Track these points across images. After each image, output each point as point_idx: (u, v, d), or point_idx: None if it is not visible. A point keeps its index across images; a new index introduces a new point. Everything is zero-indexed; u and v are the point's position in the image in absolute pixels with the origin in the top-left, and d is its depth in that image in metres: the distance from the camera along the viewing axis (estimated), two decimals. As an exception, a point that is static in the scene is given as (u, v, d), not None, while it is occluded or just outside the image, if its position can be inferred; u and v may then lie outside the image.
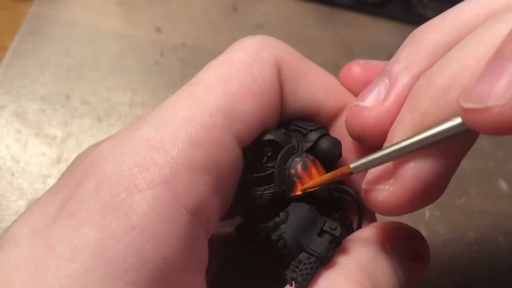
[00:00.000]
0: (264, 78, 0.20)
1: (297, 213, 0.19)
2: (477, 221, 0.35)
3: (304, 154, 0.20)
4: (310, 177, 0.19)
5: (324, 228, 0.19)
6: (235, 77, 0.20)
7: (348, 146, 0.22)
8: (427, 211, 0.35)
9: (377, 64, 0.23)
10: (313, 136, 0.21)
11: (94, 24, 0.41)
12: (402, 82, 0.19)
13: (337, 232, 0.19)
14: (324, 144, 0.21)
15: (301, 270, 0.18)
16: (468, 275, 0.33)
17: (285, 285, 0.18)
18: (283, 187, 0.20)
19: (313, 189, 0.19)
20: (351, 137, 0.21)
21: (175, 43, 0.41)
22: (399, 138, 0.18)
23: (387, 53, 0.41)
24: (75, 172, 0.18)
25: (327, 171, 0.20)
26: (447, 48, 0.18)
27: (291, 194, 0.20)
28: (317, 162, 0.20)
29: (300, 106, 0.22)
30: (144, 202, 0.16)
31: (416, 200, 0.18)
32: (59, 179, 0.18)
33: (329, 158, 0.21)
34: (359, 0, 0.44)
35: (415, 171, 0.18)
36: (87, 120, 0.36)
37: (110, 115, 0.37)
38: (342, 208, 0.22)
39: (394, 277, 0.19)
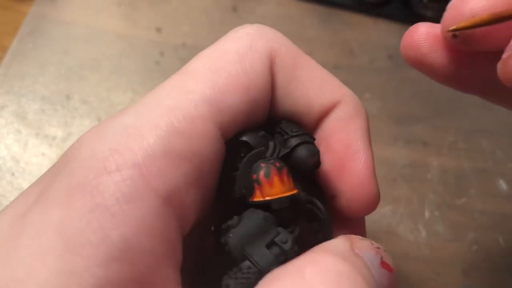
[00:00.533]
0: (255, 71, 0.19)
1: (249, 220, 0.18)
2: (477, 221, 0.35)
3: (272, 160, 0.19)
4: (270, 186, 0.19)
5: (275, 239, 0.18)
6: (225, 68, 0.19)
7: (340, 148, 0.21)
8: (427, 211, 0.35)
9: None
10: (293, 142, 0.20)
11: (94, 24, 0.41)
12: None
13: (286, 246, 0.18)
14: (300, 152, 0.20)
15: (236, 278, 0.17)
16: (468, 275, 0.33)
17: None
18: (243, 191, 0.19)
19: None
20: (445, 35, 0.19)
21: (175, 43, 0.41)
22: None
23: (387, 53, 0.41)
24: (58, 162, 0.18)
25: (302, 181, 0.20)
26: None
27: (250, 200, 0.19)
28: (285, 170, 0.19)
29: (291, 102, 0.21)
30: (111, 183, 0.16)
31: None
32: (46, 170, 0.18)
33: (304, 168, 0.20)
34: (359, 0, 0.44)
35: None
36: (87, 120, 0.36)
37: (110, 115, 0.37)
38: (318, 220, 0.21)
39: (372, 277, 0.18)
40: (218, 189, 0.19)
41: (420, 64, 0.21)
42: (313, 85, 0.21)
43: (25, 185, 0.33)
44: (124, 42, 0.40)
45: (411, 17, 0.44)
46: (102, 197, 0.15)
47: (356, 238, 0.19)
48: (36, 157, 0.35)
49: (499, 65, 0.17)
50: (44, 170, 0.35)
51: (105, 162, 0.16)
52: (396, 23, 0.44)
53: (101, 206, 0.15)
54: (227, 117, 0.19)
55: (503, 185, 0.37)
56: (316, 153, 0.20)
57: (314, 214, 0.21)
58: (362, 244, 0.19)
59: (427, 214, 0.35)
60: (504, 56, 0.17)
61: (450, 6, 0.19)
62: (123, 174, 0.16)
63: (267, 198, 0.19)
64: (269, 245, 0.18)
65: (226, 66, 0.19)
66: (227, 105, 0.19)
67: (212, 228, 0.21)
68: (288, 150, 0.20)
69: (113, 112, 0.37)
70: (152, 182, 0.16)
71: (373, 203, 0.21)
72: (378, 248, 0.19)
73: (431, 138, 0.38)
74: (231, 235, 0.18)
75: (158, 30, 0.41)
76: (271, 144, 0.20)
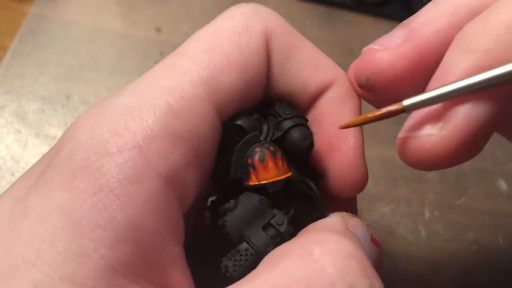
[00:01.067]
0: (251, 50, 0.19)
1: (245, 203, 0.19)
2: (477, 221, 0.35)
3: (266, 145, 0.19)
4: (265, 170, 0.19)
5: (271, 221, 0.18)
6: (221, 47, 0.19)
7: (331, 128, 0.21)
8: (427, 211, 0.35)
9: None
10: (286, 125, 0.20)
11: (94, 24, 0.41)
12: (422, 32, 0.18)
13: (282, 228, 0.18)
14: (294, 135, 0.20)
15: (235, 260, 0.18)
16: (468, 275, 0.33)
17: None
18: (239, 175, 0.19)
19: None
20: (359, 83, 0.20)
21: (175, 43, 0.41)
22: (456, 77, 0.16)
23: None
24: (56, 145, 0.18)
25: (296, 162, 0.20)
26: (471, 10, 0.17)
27: (245, 183, 0.19)
28: (279, 154, 0.19)
29: (286, 81, 0.21)
30: (113, 165, 0.16)
31: (465, 148, 0.17)
32: (44, 154, 0.19)
33: (297, 150, 0.20)
34: (359, 0, 0.44)
35: (469, 114, 0.16)
36: (87, 120, 0.36)
37: (110, 115, 0.37)
38: (312, 199, 0.21)
39: (364, 253, 0.18)
40: (214, 170, 0.20)
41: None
42: (308, 64, 0.21)
43: (25, 185, 0.33)
44: (124, 42, 0.40)
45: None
46: (105, 179, 0.16)
47: (347, 216, 0.19)
48: (36, 157, 0.35)
49: (397, 142, 0.18)
50: (44, 170, 0.35)
51: (105, 144, 0.16)
52: (396, 23, 0.44)
53: (105, 188, 0.16)
54: (224, 97, 0.19)
55: (503, 185, 0.37)
56: (309, 136, 0.20)
57: (308, 194, 0.21)
58: (354, 222, 0.19)
59: (427, 214, 0.35)
60: (399, 135, 0.18)
61: (362, 52, 0.20)
62: (125, 155, 0.16)
63: (263, 182, 0.19)
64: (265, 227, 0.18)
65: (222, 45, 0.19)
66: (223, 85, 0.19)
67: (208, 204, 0.22)
68: (281, 133, 0.20)
69: (113, 112, 0.37)
70: (152, 162, 0.16)
71: (360, 183, 0.21)
72: (368, 225, 0.19)
73: (431, 138, 0.38)
74: (227, 218, 0.19)
75: (158, 30, 0.41)
76: (264, 127, 0.20)
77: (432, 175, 0.37)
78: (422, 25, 0.18)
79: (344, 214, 0.19)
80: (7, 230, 0.16)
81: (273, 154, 0.19)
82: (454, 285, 0.33)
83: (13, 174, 0.34)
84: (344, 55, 0.42)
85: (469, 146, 0.17)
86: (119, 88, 0.39)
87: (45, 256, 0.15)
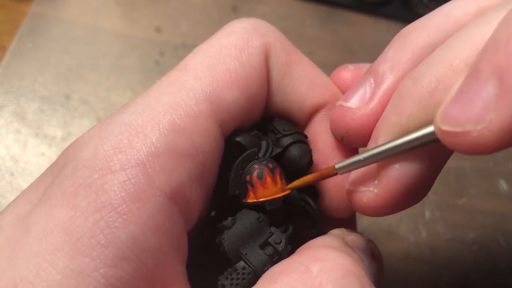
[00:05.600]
0: (252, 66, 0.20)
1: (243, 221, 0.19)
2: (477, 221, 0.35)
3: (265, 162, 0.19)
4: (263, 187, 0.19)
5: (269, 240, 0.18)
6: (223, 63, 0.19)
7: (325, 148, 0.21)
8: (427, 211, 0.35)
9: (367, 68, 0.22)
10: (285, 141, 0.20)
11: (93, 24, 0.41)
12: (388, 83, 0.19)
13: (280, 247, 0.18)
14: (293, 151, 0.20)
15: (232, 279, 0.18)
16: (468, 275, 0.33)
17: None
18: (237, 192, 0.19)
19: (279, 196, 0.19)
20: (335, 138, 0.20)
21: (175, 43, 0.41)
22: (384, 140, 0.18)
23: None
24: (59, 161, 0.18)
25: (295, 178, 0.20)
26: (434, 49, 0.18)
27: (244, 201, 0.19)
28: (277, 171, 0.19)
29: (283, 97, 0.21)
30: (116, 182, 0.16)
31: (399, 202, 0.18)
32: (46, 169, 0.18)
33: (297, 167, 0.20)
34: (359, 0, 0.44)
35: (399, 173, 0.17)
36: (87, 120, 0.36)
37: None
38: (310, 216, 0.21)
39: (365, 269, 0.18)
40: (215, 186, 0.20)
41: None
42: (305, 82, 0.21)
43: (25, 185, 0.33)
44: (124, 42, 0.40)
45: (411, 17, 0.44)
46: (108, 196, 0.15)
47: (346, 232, 0.20)
48: (36, 157, 0.34)
49: (346, 193, 0.19)
50: (43, 170, 0.35)
51: (109, 161, 0.16)
52: (397, 23, 0.44)
53: (107, 205, 0.15)
54: (227, 114, 0.19)
55: (503, 185, 0.37)
56: (308, 152, 0.20)
57: (306, 211, 0.21)
58: (353, 237, 0.19)
59: (427, 214, 0.35)
60: (346, 187, 0.19)
61: (335, 108, 0.20)
62: (128, 173, 0.16)
63: (261, 199, 0.19)
64: (262, 246, 0.18)
65: (224, 61, 0.19)
66: (226, 102, 0.19)
67: (212, 214, 0.22)
68: (280, 149, 0.20)
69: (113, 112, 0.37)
70: (156, 180, 0.16)
71: (351, 207, 0.21)
72: (368, 240, 0.20)
73: (432, 138, 0.38)
74: (225, 236, 0.18)
75: (158, 29, 0.41)
76: (263, 143, 0.20)
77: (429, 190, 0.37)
78: (387, 74, 0.19)
79: (343, 230, 0.20)
80: (8, 247, 0.15)
81: (272, 171, 0.19)
82: (454, 285, 0.33)
83: (12, 174, 0.34)
84: (344, 55, 0.42)
85: (402, 200, 0.18)
86: (118, 88, 0.39)
87: (43, 275, 0.15)
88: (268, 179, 0.19)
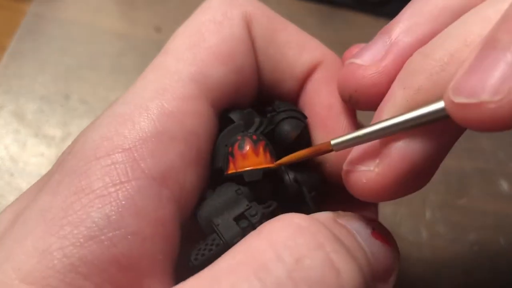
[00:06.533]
0: (234, 38, 0.19)
1: (221, 192, 0.18)
2: (478, 221, 0.35)
3: (249, 134, 0.19)
4: (244, 158, 0.18)
5: (245, 213, 0.17)
6: (204, 41, 0.19)
7: (322, 109, 0.20)
8: (427, 212, 0.35)
9: None
10: (278, 117, 0.20)
11: (93, 24, 0.41)
12: (403, 43, 0.18)
13: (254, 219, 0.17)
14: (282, 126, 0.19)
15: (199, 249, 0.17)
16: (469, 275, 0.33)
17: None
18: (220, 165, 0.19)
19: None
20: (342, 98, 0.19)
21: (175, 43, 0.41)
22: (389, 115, 0.17)
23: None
24: (58, 159, 0.18)
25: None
26: (453, 14, 0.17)
27: (225, 173, 0.18)
28: (262, 143, 0.18)
29: (272, 66, 0.20)
30: (99, 167, 0.16)
31: (401, 185, 0.17)
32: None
33: (286, 141, 0.19)
34: (359, 0, 0.44)
35: (403, 151, 0.16)
36: (86, 120, 0.36)
37: (109, 115, 0.37)
38: (306, 204, 0.20)
39: (358, 244, 0.17)
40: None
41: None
42: (292, 46, 0.20)
43: (24, 185, 0.33)
44: (123, 41, 0.40)
45: (411, 17, 0.44)
46: (88, 181, 0.15)
47: (342, 212, 0.18)
48: (35, 157, 0.34)
49: (342, 174, 0.18)
50: (43, 170, 0.35)
51: (95, 149, 0.16)
52: (397, 23, 0.44)
53: (86, 188, 0.15)
54: (216, 91, 0.18)
55: (504, 185, 0.36)
56: (298, 126, 0.19)
57: (299, 196, 0.20)
58: (347, 216, 0.18)
59: (428, 214, 0.35)
60: (344, 168, 0.18)
61: (345, 66, 0.19)
62: (112, 158, 0.16)
63: (239, 170, 0.18)
64: (237, 218, 0.17)
65: (205, 38, 0.19)
66: (214, 79, 0.18)
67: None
68: (272, 126, 0.19)
69: (112, 112, 0.37)
70: (143, 164, 0.16)
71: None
72: (372, 220, 0.18)
73: (432, 138, 0.38)
74: (200, 207, 0.18)
75: (157, 29, 0.41)
76: (257, 120, 0.20)
77: (433, 175, 0.36)
78: (403, 34, 0.18)
79: (339, 212, 0.18)
80: (3, 239, 0.16)
81: (255, 142, 0.18)
82: (455, 285, 0.33)
83: (12, 174, 0.34)
84: (345, 54, 0.42)
85: (406, 182, 0.16)
86: (118, 88, 0.39)
87: (12, 257, 0.15)
88: (249, 150, 0.18)
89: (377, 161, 0.17)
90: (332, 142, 0.17)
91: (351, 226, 0.17)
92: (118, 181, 0.15)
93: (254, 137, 0.18)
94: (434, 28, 0.17)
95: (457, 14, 0.17)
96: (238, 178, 0.18)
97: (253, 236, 0.15)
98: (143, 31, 0.41)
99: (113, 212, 0.15)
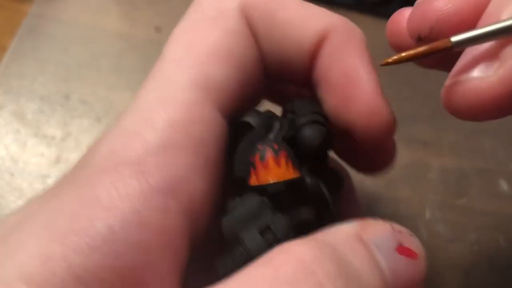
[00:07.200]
0: (232, 31, 0.18)
1: (245, 203, 0.18)
2: (477, 221, 0.35)
3: (270, 143, 0.18)
4: (266, 169, 0.17)
5: (270, 225, 0.17)
6: (200, 40, 0.18)
7: (339, 79, 0.19)
8: (427, 212, 0.35)
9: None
10: (300, 122, 0.19)
11: (93, 24, 0.41)
12: None
13: (279, 233, 0.17)
14: (305, 133, 0.19)
15: (226, 259, 0.17)
16: (468, 275, 0.33)
17: None
18: (242, 174, 0.18)
19: (399, 60, 0.16)
20: (419, 35, 0.17)
21: (175, 43, 0.41)
22: (509, 15, 0.15)
23: (387, 53, 0.41)
24: (68, 171, 0.18)
25: (316, 164, 0.18)
26: None
27: (248, 183, 0.18)
28: (283, 153, 0.18)
29: (279, 48, 0.19)
30: (107, 181, 0.16)
31: None
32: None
33: (309, 150, 0.19)
34: (359, 0, 0.44)
35: None
36: (87, 120, 0.36)
37: (109, 115, 0.37)
38: (325, 205, 0.19)
39: (373, 264, 0.16)
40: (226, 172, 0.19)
41: (406, 50, 0.19)
42: (295, 23, 0.19)
43: (24, 185, 0.33)
44: (124, 41, 0.40)
45: (411, 17, 0.44)
46: (94, 193, 0.15)
47: (368, 222, 0.17)
48: (35, 157, 0.34)
49: (442, 92, 0.17)
50: (43, 170, 0.35)
51: (102, 163, 0.16)
52: (397, 23, 0.44)
53: (93, 199, 0.15)
54: (221, 92, 0.18)
55: (504, 185, 0.36)
56: (322, 133, 0.19)
57: (321, 199, 0.19)
58: (374, 228, 0.16)
59: (427, 214, 0.35)
60: (446, 83, 0.17)
61: (417, 4, 0.18)
62: (119, 171, 0.16)
63: (262, 183, 0.18)
64: (262, 231, 0.17)
65: (200, 37, 0.18)
66: (216, 79, 0.18)
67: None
68: (293, 131, 0.19)
69: (112, 112, 0.37)
70: (149, 177, 0.16)
71: (389, 125, 0.19)
72: (399, 232, 0.17)
73: (432, 138, 0.38)
74: (224, 219, 0.18)
75: (158, 29, 0.41)
76: (276, 124, 0.19)
77: (433, 175, 0.36)
78: None
79: (365, 220, 0.17)
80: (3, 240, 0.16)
81: (276, 152, 0.18)
82: (455, 285, 0.33)
83: (12, 174, 0.34)
84: (344, 55, 0.42)
85: None
86: (118, 88, 0.39)
87: (15, 259, 0.15)
88: (271, 161, 0.18)
89: (497, 64, 0.15)
90: (453, 39, 0.15)
91: (374, 241, 0.16)
92: (124, 193, 0.15)
93: (276, 146, 0.18)
94: None
95: None
96: (261, 189, 0.18)
97: (260, 264, 0.15)
98: (143, 31, 0.41)
99: (117, 223, 0.15)
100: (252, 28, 0.19)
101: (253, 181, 0.18)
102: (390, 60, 0.17)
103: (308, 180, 0.19)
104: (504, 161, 0.38)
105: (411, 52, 0.16)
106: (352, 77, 0.19)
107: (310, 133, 0.19)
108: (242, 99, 0.19)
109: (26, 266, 0.14)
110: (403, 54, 0.16)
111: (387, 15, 0.44)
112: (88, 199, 0.15)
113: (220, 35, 0.18)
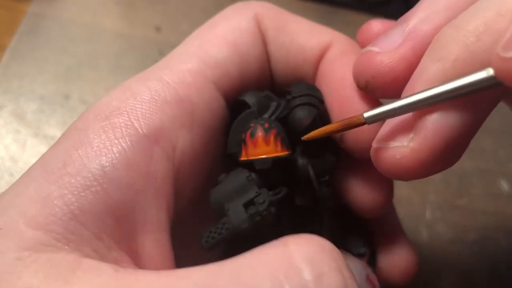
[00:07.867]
0: (241, 29, 0.20)
1: (233, 178, 0.19)
2: (478, 221, 0.35)
3: (262, 121, 0.19)
4: (254, 146, 0.19)
5: (254, 199, 0.18)
6: (211, 30, 0.20)
7: (332, 94, 0.20)
8: (428, 212, 0.35)
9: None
10: (293, 103, 0.20)
11: (93, 24, 0.41)
12: (422, 31, 0.18)
13: (261, 207, 0.18)
14: (296, 113, 0.20)
15: (210, 231, 0.18)
16: (469, 275, 0.33)
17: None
18: (234, 151, 0.19)
19: (314, 137, 0.18)
20: (358, 85, 0.19)
21: (175, 42, 0.40)
22: (423, 87, 0.16)
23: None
24: None
25: (312, 147, 0.19)
26: (469, 2, 0.17)
27: (238, 159, 0.19)
28: (273, 131, 0.19)
29: (285, 54, 0.21)
30: (98, 127, 0.17)
31: (436, 160, 0.16)
32: None
33: (298, 129, 0.20)
34: (359, 0, 0.44)
35: (439, 124, 0.16)
36: (86, 120, 0.36)
37: (109, 115, 0.37)
38: (313, 187, 0.20)
39: (342, 258, 0.16)
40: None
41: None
42: (302, 33, 0.21)
43: (24, 185, 0.33)
44: (123, 41, 0.40)
45: (412, 16, 0.44)
46: (87, 137, 0.17)
47: (343, 254, 0.18)
48: (35, 157, 0.34)
49: (371, 152, 0.18)
50: (43, 170, 0.35)
51: (96, 112, 0.18)
52: (397, 22, 0.44)
53: (85, 143, 0.17)
54: (218, 71, 0.20)
55: (504, 185, 0.36)
56: (311, 114, 0.20)
57: (306, 180, 0.20)
58: (349, 257, 0.19)
59: (428, 214, 0.35)
60: (374, 145, 0.18)
61: (361, 53, 0.20)
62: (110, 119, 0.17)
63: (250, 158, 0.19)
64: (246, 204, 0.18)
65: (213, 29, 0.21)
66: (215, 58, 0.20)
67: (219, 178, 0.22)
68: (287, 111, 0.20)
69: (112, 112, 0.37)
70: (136, 124, 0.17)
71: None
72: (368, 266, 0.19)
73: (432, 138, 0.38)
74: (213, 190, 0.19)
75: (157, 29, 0.41)
76: (273, 104, 0.20)
77: (433, 175, 0.36)
78: (421, 22, 0.18)
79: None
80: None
81: (266, 130, 0.19)
82: (455, 285, 0.33)
83: (12, 175, 0.34)
84: (345, 54, 0.42)
85: (441, 157, 0.16)
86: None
87: (16, 201, 0.16)
88: (260, 138, 0.19)
89: (411, 135, 0.16)
90: (365, 114, 0.17)
91: (352, 266, 0.17)
92: (113, 137, 0.17)
93: (266, 125, 0.19)
94: (452, 16, 0.17)
95: (473, 2, 0.17)
96: (250, 165, 0.19)
97: (278, 245, 0.15)
98: (143, 31, 0.41)
99: (108, 164, 0.16)
100: (262, 31, 0.21)
101: (243, 156, 0.19)
102: (309, 136, 0.19)
103: (300, 160, 0.20)
104: (505, 162, 0.38)
105: (328, 128, 0.18)
106: (346, 82, 0.20)
107: (300, 114, 0.20)
108: (239, 82, 0.20)
109: (28, 208, 0.15)
110: (319, 130, 0.18)
111: (387, 14, 0.44)
112: (80, 142, 0.17)
113: (230, 29, 0.20)
